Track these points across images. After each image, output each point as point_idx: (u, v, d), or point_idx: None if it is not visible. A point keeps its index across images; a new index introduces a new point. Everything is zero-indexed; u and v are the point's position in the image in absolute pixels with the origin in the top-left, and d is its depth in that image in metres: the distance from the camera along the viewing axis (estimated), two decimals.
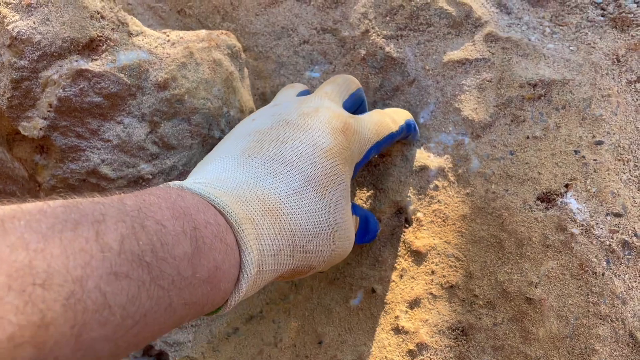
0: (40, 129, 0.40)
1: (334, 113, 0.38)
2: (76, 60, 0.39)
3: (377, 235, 0.44)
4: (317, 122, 0.36)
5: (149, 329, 0.22)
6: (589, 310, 0.38)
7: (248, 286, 0.28)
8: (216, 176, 0.32)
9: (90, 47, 0.40)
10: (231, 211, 0.28)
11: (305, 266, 0.33)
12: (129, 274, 0.20)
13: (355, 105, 0.43)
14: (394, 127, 0.42)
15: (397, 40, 0.48)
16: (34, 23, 0.38)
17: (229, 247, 0.26)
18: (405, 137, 0.45)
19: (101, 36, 0.40)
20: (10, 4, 0.38)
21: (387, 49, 0.47)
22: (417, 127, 0.45)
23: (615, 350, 0.37)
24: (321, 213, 0.33)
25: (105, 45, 0.40)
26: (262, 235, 0.29)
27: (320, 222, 0.33)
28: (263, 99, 0.50)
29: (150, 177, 0.42)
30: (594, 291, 0.38)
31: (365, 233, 0.42)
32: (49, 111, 0.39)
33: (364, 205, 0.46)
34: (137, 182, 0.42)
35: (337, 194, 0.35)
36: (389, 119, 0.42)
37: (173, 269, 0.22)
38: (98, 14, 0.40)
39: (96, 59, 0.40)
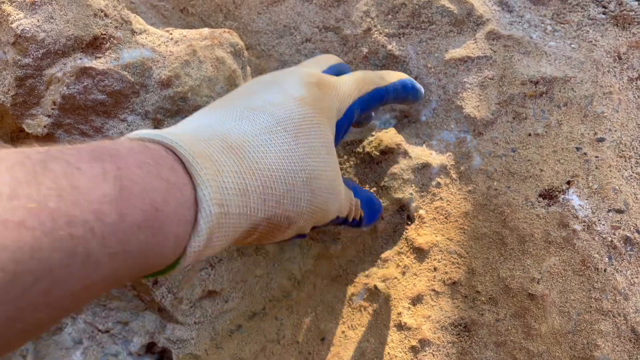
0: (45, 126, 0.40)
1: (309, 72, 0.36)
2: (80, 58, 0.39)
3: (380, 215, 0.43)
4: (289, 77, 0.35)
5: (64, 287, 0.19)
6: (591, 306, 0.38)
7: (210, 228, 0.25)
8: (176, 125, 0.30)
9: (94, 45, 0.40)
10: (183, 145, 0.25)
11: (282, 216, 0.30)
12: (25, 223, 0.17)
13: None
14: (381, 83, 0.39)
15: (399, 38, 0.48)
16: (38, 21, 0.38)
17: (173, 185, 0.23)
18: (403, 99, 0.41)
19: (105, 34, 0.40)
20: (14, 2, 0.38)
21: (389, 47, 0.48)
22: (417, 87, 0.41)
23: (617, 346, 0.37)
24: (294, 155, 0.30)
25: (108, 43, 0.40)
26: (223, 172, 0.26)
27: (292, 163, 0.30)
28: None
29: None
30: (596, 287, 0.38)
31: (372, 214, 0.40)
32: (53, 109, 0.39)
33: None
34: None
35: (314, 140, 0.32)
36: (377, 76, 0.39)
37: (89, 214, 0.20)
38: (102, 12, 0.40)
39: (100, 57, 0.40)
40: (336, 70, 0.41)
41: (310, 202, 0.31)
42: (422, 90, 0.42)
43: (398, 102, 0.42)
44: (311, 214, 0.32)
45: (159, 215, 0.22)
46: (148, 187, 0.22)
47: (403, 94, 0.41)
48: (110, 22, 0.41)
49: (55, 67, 0.39)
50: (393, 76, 0.41)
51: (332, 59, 0.42)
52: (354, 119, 0.38)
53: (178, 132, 0.27)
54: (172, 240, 0.23)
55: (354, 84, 0.37)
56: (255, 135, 0.29)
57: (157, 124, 0.42)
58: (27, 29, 0.38)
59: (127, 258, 0.21)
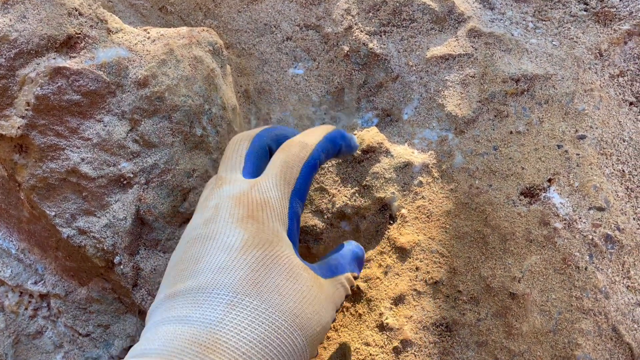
0: (19, 127, 0.39)
1: (234, 200, 0.33)
2: (54, 58, 0.39)
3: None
4: (221, 223, 0.32)
5: None
6: (572, 305, 0.38)
7: None
8: (147, 339, 0.29)
9: (68, 45, 0.39)
10: None
11: None
12: None
13: (259, 159, 0.37)
14: (306, 154, 0.35)
15: (381, 36, 0.48)
16: (10, 20, 0.38)
17: None
18: (335, 155, 0.39)
19: (79, 33, 0.40)
20: None
21: (371, 45, 0.47)
22: (347, 138, 0.39)
23: (598, 345, 0.37)
24: (268, 315, 0.29)
25: (83, 43, 0.40)
26: None
27: (271, 324, 0.29)
28: (246, 96, 0.50)
29: (132, 175, 0.42)
30: (577, 285, 0.38)
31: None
32: (26, 110, 0.39)
33: (348, 202, 0.46)
34: (118, 181, 0.42)
35: (279, 280, 0.31)
36: (298, 148, 0.35)
37: None
38: (76, 10, 0.40)
39: (74, 57, 0.39)
40: (253, 157, 0.37)
41: (311, 337, 0.30)
42: (355, 140, 0.40)
43: (333, 158, 0.39)
44: (316, 337, 0.31)
45: None
46: None
47: (333, 150, 0.38)
48: (85, 21, 0.40)
49: (28, 67, 0.38)
50: (315, 134, 0.37)
51: (244, 144, 0.37)
52: (300, 211, 0.35)
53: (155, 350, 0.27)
54: None
55: (280, 179, 0.34)
56: (220, 321, 0.28)
57: (134, 124, 0.41)
58: None
59: None
